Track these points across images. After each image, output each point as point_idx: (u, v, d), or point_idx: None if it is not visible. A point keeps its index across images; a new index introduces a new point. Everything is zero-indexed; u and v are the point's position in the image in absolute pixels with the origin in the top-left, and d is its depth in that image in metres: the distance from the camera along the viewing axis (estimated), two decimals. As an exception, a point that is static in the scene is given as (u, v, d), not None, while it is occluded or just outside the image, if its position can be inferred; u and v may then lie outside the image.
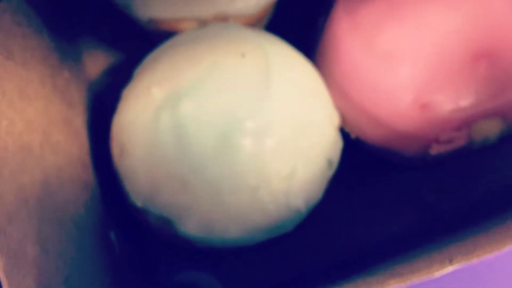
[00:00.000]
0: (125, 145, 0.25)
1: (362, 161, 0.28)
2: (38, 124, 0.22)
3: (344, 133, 0.27)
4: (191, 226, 0.24)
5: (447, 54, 0.25)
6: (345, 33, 0.26)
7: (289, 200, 0.24)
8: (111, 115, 0.26)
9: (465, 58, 0.24)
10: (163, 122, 0.24)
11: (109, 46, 0.31)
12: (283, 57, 0.26)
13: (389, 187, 0.29)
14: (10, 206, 0.17)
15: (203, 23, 0.28)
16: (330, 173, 0.25)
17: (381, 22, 0.25)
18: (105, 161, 0.27)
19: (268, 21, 0.30)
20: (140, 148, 0.25)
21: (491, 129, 0.25)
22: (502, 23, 0.25)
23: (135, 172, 0.25)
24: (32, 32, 0.24)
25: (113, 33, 0.31)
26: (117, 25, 0.31)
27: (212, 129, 0.24)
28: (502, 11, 0.25)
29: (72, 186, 0.23)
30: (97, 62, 0.31)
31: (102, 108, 0.29)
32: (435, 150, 0.25)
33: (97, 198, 0.26)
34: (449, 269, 0.16)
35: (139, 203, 0.25)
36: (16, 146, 0.20)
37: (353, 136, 0.27)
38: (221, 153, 0.24)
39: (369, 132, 0.26)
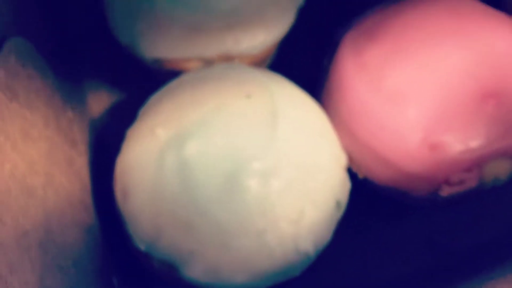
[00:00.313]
0: (129, 186, 0.25)
1: (371, 202, 0.28)
2: (41, 166, 0.22)
3: (351, 173, 0.26)
4: (196, 271, 0.23)
5: (455, 94, 0.24)
6: (352, 73, 0.26)
7: (297, 244, 0.24)
8: (115, 156, 0.26)
9: (473, 98, 0.24)
10: (168, 164, 0.24)
11: (113, 85, 0.31)
12: (289, 97, 0.26)
13: (399, 228, 0.28)
14: (12, 254, 0.17)
15: (208, 62, 0.28)
16: (338, 214, 0.25)
17: (388, 62, 0.25)
18: (108, 202, 0.26)
19: (272, 60, 0.30)
20: (144, 190, 0.24)
21: (501, 170, 0.25)
22: (507, 63, 0.25)
23: (139, 214, 0.24)
24: (36, 72, 0.24)
25: (117, 73, 0.31)
26: (121, 65, 0.31)
27: (218, 171, 0.23)
28: (505, 52, 0.25)
29: (74, 230, 0.23)
30: (101, 101, 0.31)
31: (105, 149, 0.29)
32: (445, 191, 0.25)
33: (100, 241, 0.25)
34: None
35: (142, 246, 0.24)
36: (19, 189, 0.19)
37: (360, 176, 0.26)
38: (227, 195, 0.23)
39: (377, 173, 0.26)
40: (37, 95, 0.24)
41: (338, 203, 0.25)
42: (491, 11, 0.27)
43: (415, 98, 0.25)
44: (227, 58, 0.28)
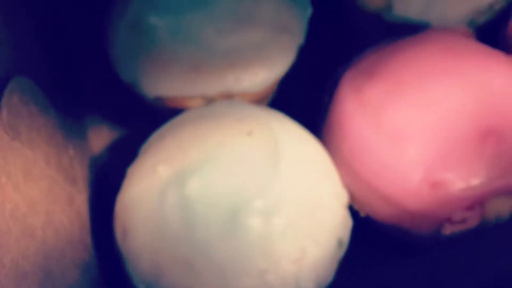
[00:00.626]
0: (129, 225, 0.25)
1: (373, 240, 0.27)
2: (42, 205, 0.22)
3: (353, 211, 0.26)
4: (197, 312, 0.23)
5: (454, 132, 0.25)
6: (353, 111, 0.26)
7: (299, 284, 0.23)
8: (115, 193, 0.26)
9: (472, 136, 0.24)
10: (169, 202, 0.24)
11: (115, 122, 0.31)
12: (290, 135, 0.26)
13: (401, 267, 0.28)
14: (11, 298, 0.17)
15: (209, 100, 0.28)
16: (340, 253, 0.25)
17: (387, 100, 0.25)
18: (108, 241, 0.26)
19: (273, 97, 0.31)
20: (144, 229, 0.24)
21: (503, 208, 0.25)
22: (505, 101, 0.25)
23: (139, 254, 0.24)
24: (39, 110, 0.24)
25: (118, 110, 0.32)
26: (123, 102, 0.31)
27: (219, 209, 0.23)
28: (503, 90, 0.25)
29: (74, 270, 0.23)
30: (102, 138, 0.31)
31: (106, 186, 0.29)
32: (448, 230, 0.25)
33: (99, 281, 0.25)
34: None
35: (142, 286, 0.24)
36: (19, 230, 0.19)
37: (362, 214, 0.26)
38: (229, 234, 0.23)
39: (379, 211, 0.26)
40: (39, 133, 0.24)
41: (340, 242, 0.25)
42: (488, 50, 0.27)
43: (415, 136, 0.25)
44: (229, 96, 0.28)
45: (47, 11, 0.30)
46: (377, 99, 0.26)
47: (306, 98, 0.30)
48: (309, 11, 0.29)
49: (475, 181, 0.24)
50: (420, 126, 0.25)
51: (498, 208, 0.25)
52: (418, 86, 0.25)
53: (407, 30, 0.28)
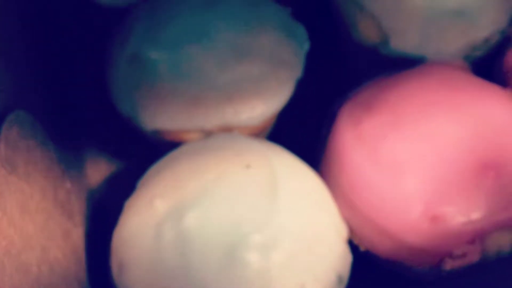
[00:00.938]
0: (125, 260, 0.24)
1: (373, 275, 0.27)
2: (37, 241, 0.21)
3: (353, 246, 0.26)
4: None
5: (452, 166, 0.24)
6: (350, 144, 0.26)
7: (299, 321, 0.23)
8: (113, 227, 0.26)
9: (471, 170, 0.24)
10: (166, 236, 0.24)
11: (113, 155, 0.31)
12: (289, 168, 0.26)
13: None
14: (3, 338, 0.16)
15: (208, 134, 0.28)
16: (340, 289, 0.24)
17: (386, 133, 0.25)
18: (104, 276, 0.25)
19: (271, 130, 0.31)
20: (141, 264, 0.24)
21: (504, 241, 0.25)
22: (503, 134, 0.25)
23: (135, 289, 0.24)
24: (36, 144, 0.24)
25: (117, 143, 0.32)
26: (121, 135, 0.31)
27: (217, 244, 0.23)
28: (500, 123, 0.25)
29: (68, 307, 0.22)
30: (100, 171, 0.31)
31: (103, 220, 0.28)
32: (449, 265, 0.24)
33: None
34: None
35: (138, 323, 0.23)
36: (14, 267, 0.19)
37: (362, 248, 0.26)
38: (227, 269, 0.23)
39: (379, 245, 0.25)
40: (36, 167, 0.24)
41: (339, 278, 0.24)
42: (484, 83, 0.27)
43: (414, 170, 0.25)
44: (227, 130, 0.28)
45: (46, 44, 0.31)
46: (375, 132, 0.26)
47: (304, 131, 0.30)
48: (306, 45, 0.29)
49: (475, 215, 0.24)
50: (419, 159, 0.25)
51: (499, 242, 0.25)
52: (416, 120, 0.25)
53: (404, 64, 0.28)
